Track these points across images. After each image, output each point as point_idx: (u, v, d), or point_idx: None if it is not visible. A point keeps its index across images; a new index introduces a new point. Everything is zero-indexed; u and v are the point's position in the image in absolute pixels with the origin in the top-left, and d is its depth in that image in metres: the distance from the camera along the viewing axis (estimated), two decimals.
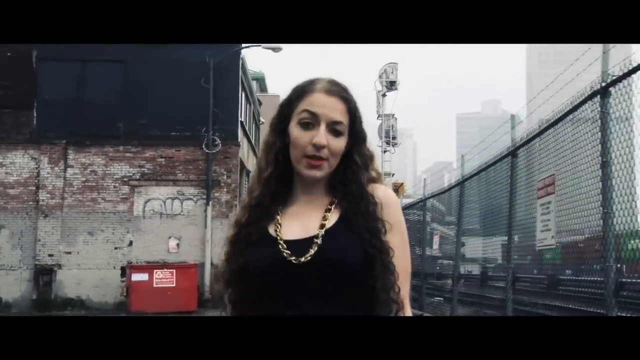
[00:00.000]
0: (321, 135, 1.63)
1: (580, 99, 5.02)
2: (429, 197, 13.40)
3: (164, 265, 18.06)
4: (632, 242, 4.49)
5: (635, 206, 4.39)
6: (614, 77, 4.52)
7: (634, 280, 4.46)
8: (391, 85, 20.02)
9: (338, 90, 1.68)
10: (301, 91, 1.70)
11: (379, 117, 20.40)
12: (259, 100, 30.81)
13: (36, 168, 19.17)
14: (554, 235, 5.63)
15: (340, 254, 1.60)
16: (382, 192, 1.71)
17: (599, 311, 4.57)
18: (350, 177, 1.70)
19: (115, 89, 19.62)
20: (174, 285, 17.62)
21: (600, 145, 4.59)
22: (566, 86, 7.12)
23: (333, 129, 1.65)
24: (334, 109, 1.65)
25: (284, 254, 1.62)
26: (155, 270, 17.74)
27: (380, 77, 20.37)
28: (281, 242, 1.64)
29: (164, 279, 17.68)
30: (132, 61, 19.64)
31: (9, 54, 19.17)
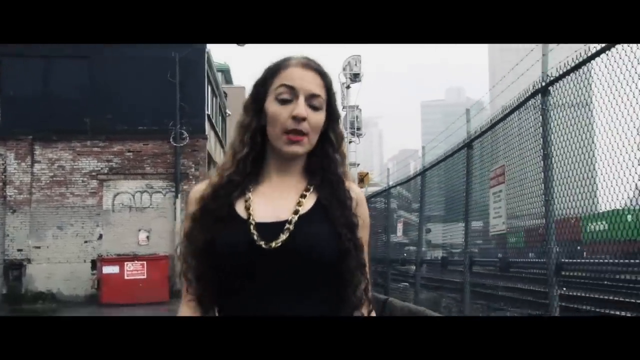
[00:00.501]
0: (301, 107, 1.59)
1: (523, 98, 5.52)
2: (393, 186, 13.87)
3: (134, 257, 18.34)
4: (591, 224, 4.94)
5: (573, 193, 4.90)
6: (552, 78, 5.02)
7: (572, 260, 4.98)
8: (355, 77, 20.49)
9: (314, 65, 1.65)
10: (276, 68, 1.65)
11: (343, 108, 20.88)
12: (224, 92, 31.00)
13: (2, 164, 19.19)
14: (504, 222, 6.16)
15: (313, 242, 1.56)
16: (356, 189, 1.70)
17: (542, 289, 5.09)
18: (327, 164, 1.67)
19: (81, 84, 19.69)
20: (145, 277, 17.91)
21: (542, 140, 5.08)
22: (527, 72, 7.38)
23: (311, 103, 1.61)
24: (311, 82, 1.62)
25: (254, 236, 1.56)
26: (126, 263, 18.01)
27: (344, 69, 20.82)
28: (252, 223, 1.58)
29: (134, 271, 17.96)
30: (96, 57, 19.70)
31: None
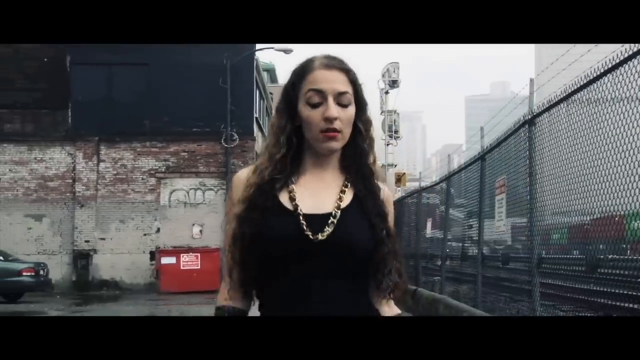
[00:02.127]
0: (331, 108, 1.66)
1: (513, 129, 6.88)
2: (424, 188, 14.99)
3: (189, 249, 20.09)
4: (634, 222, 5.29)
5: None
6: (538, 111, 6.37)
7: (550, 256, 6.27)
8: (393, 83, 21.81)
9: (336, 63, 1.72)
10: (302, 72, 1.72)
11: (382, 113, 22.23)
12: (270, 92, 32.61)
13: (72, 163, 21.18)
14: (505, 224, 7.52)
15: (354, 234, 1.66)
16: (386, 188, 1.80)
17: (525, 278, 6.36)
18: (359, 154, 1.75)
19: (140, 89, 21.48)
20: (199, 267, 19.61)
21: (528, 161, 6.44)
22: (569, 66, 7.17)
23: (340, 101, 1.68)
24: (336, 82, 1.69)
25: (303, 227, 1.64)
26: (182, 254, 19.77)
27: (383, 75, 22.15)
28: (301, 214, 1.66)
29: (189, 262, 19.69)
30: (155, 64, 21.50)
31: (45, 59, 21.11)
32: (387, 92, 22.05)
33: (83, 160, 21.19)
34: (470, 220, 10.79)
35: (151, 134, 21.41)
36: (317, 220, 1.65)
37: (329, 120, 1.66)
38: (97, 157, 21.27)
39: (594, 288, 5.18)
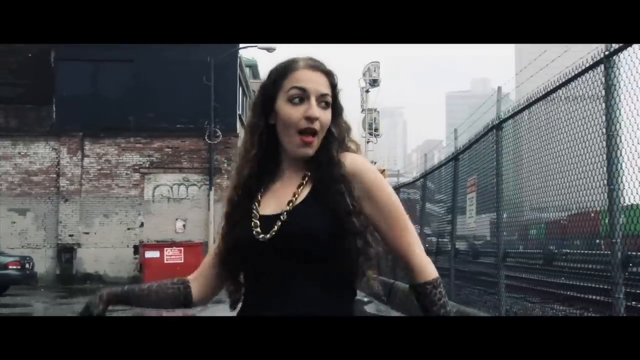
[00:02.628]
0: (314, 107, 1.65)
1: (483, 132, 7.39)
2: (402, 185, 15.52)
3: (173, 243, 20.40)
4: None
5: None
6: (505, 117, 6.88)
7: (516, 250, 6.79)
8: (374, 82, 22.32)
9: (320, 65, 1.72)
10: (284, 70, 1.71)
11: (362, 111, 22.72)
12: (252, 90, 32.94)
13: (56, 157, 21.41)
14: (475, 220, 8.04)
15: (300, 230, 1.62)
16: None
17: (492, 271, 6.89)
18: (327, 159, 1.70)
19: (125, 85, 21.76)
20: (182, 261, 19.89)
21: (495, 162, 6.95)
22: (547, 66, 7.33)
23: (321, 102, 1.68)
24: (320, 83, 1.69)
25: (254, 231, 1.66)
26: (165, 248, 20.06)
27: (364, 74, 22.63)
28: (255, 218, 1.68)
29: (173, 256, 19.99)
30: (140, 60, 21.77)
31: (29, 55, 21.30)
32: (367, 91, 22.55)
33: (67, 155, 21.43)
34: (446, 216, 11.30)
35: (135, 129, 21.69)
36: (270, 221, 1.66)
37: (310, 119, 1.65)
38: (82, 152, 21.52)
39: (547, 279, 5.68)
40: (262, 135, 1.74)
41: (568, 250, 5.52)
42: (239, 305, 1.74)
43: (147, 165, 21.80)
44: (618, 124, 4.36)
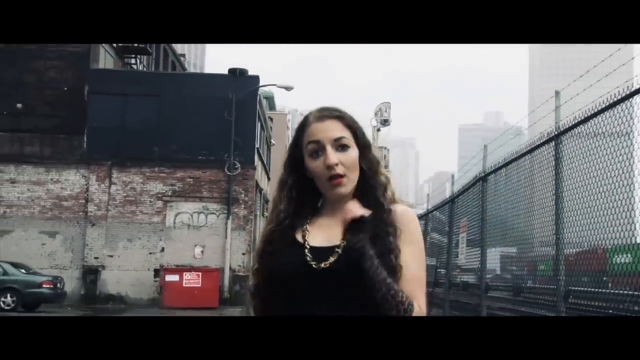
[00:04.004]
0: (329, 155, 1.76)
1: (472, 182, 8.72)
2: (430, 211, 16.08)
3: (191, 268, 21.74)
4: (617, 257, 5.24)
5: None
6: (488, 172, 8.20)
7: (497, 283, 8.04)
8: (384, 122, 23.81)
9: (328, 113, 1.83)
10: (300, 130, 1.86)
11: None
12: (270, 117, 34.36)
13: (86, 184, 22.90)
14: (465, 257, 9.31)
15: (357, 264, 1.69)
16: (400, 208, 1.82)
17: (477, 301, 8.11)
18: (368, 190, 1.82)
19: (151, 118, 23.27)
20: (200, 285, 21.22)
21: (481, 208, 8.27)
22: (569, 101, 7.79)
23: (338, 146, 1.78)
24: (332, 129, 1.79)
25: (307, 258, 1.76)
26: (184, 273, 21.40)
27: (375, 114, 24.12)
28: (307, 247, 1.79)
29: (191, 280, 21.31)
30: (165, 95, 23.37)
31: (65, 89, 22.96)
32: (378, 130, 24.02)
33: (96, 182, 22.91)
34: (453, 249, 12.35)
35: (160, 160, 23.16)
36: (324, 252, 1.76)
37: (330, 167, 1.75)
38: (109, 180, 22.99)
39: (517, 308, 6.93)
40: (290, 190, 1.87)
41: (532, 285, 6.76)
42: None
43: (169, 194, 23.21)
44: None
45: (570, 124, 5.60)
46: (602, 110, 5.01)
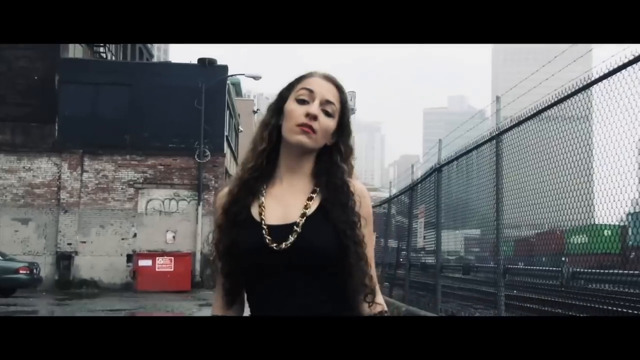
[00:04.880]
0: (315, 107, 1.75)
1: (428, 173, 9.65)
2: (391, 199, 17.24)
3: (164, 253, 22.42)
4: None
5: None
6: (442, 163, 9.13)
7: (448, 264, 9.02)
8: (350, 111, 24.65)
9: (333, 78, 1.83)
10: (300, 77, 1.84)
11: None
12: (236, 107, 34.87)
13: (58, 172, 23.32)
14: (422, 241, 10.27)
15: (317, 242, 1.70)
16: (359, 186, 1.80)
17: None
18: (334, 168, 1.79)
19: (123, 107, 23.76)
20: (172, 270, 21.93)
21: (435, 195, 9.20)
22: (533, 88, 7.48)
23: (325, 108, 1.77)
24: (328, 90, 1.79)
25: (266, 239, 1.72)
26: (157, 258, 22.07)
27: None
28: (265, 227, 1.74)
29: (164, 264, 22.00)
30: (137, 84, 23.85)
31: (35, 77, 23.26)
32: None
33: (68, 170, 23.34)
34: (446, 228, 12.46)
35: (131, 148, 23.67)
36: (282, 230, 1.73)
37: (309, 116, 1.74)
38: (81, 168, 23.45)
39: (467, 286, 7.90)
40: (272, 131, 1.83)
41: (478, 264, 7.74)
42: (235, 305, 1.84)
43: (141, 181, 23.76)
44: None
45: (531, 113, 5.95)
46: (562, 100, 5.35)
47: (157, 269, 21.89)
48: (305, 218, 1.74)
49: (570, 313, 5.32)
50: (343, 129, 1.83)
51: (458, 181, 9.08)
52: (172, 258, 22.13)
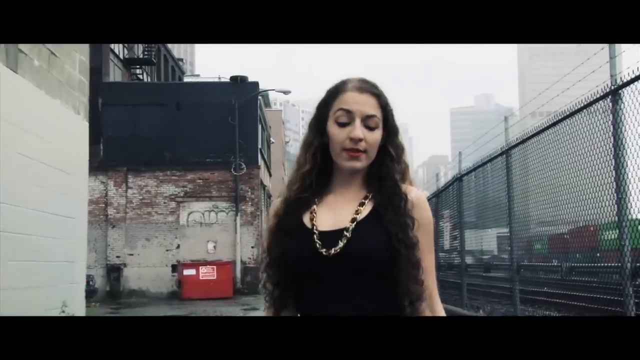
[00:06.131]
0: (357, 129, 1.71)
1: (451, 181, 10.67)
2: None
3: (206, 262, 23.70)
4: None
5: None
6: (464, 173, 10.15)
7: (471, 263, 10.02)
8: None
9: (368, 87, 1.77)
10: (335, 92, 1.79)
11: None
12: (267, 119, 36.14)
13: (105, 190, 24.80)
14: (449, 243, 11.28)
15: (366, 248, 1.67)
16: (414, 193, 1.79)
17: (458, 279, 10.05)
18: (385, 172, 1.78)
19: (161, 126, 25.12)
20: (215, 277, 23.17)
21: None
22: (557, 83, 7.37)
23: (367, 123, 1.73)
24: (366, 105, 1.74)
25: (316, 244, 1.71)
26: (200, 267, 23.35)
27: None
28: (315, 233, 1.74)
29: (207, 273, 23.25)
30: (173, 104, 25.23)
31: None
32: None
33: (114, 187, 24.82)
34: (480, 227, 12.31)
35: (171, 164, 25.05)
36: (332, 236, 1.72)
37: (354, 140, 1.72)
38: (126, 185, 24.90)
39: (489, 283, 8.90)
40: (315, 152, 1.82)
41: (496, 262, 8.76)
42: (284, 314, 1.82)
43: (181, 195, 25.13)
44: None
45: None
46: (585, 107, 5.47)
47: (200, 278, 23.14)
48: (355, 223, 1.72)
49: (568, 302, 6.23)
50: (389, 131, 1.81)
51: (492, 177, 8.96)
52: (215, 267, 23.38)
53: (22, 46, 6.61)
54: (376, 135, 1.76)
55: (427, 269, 1.74)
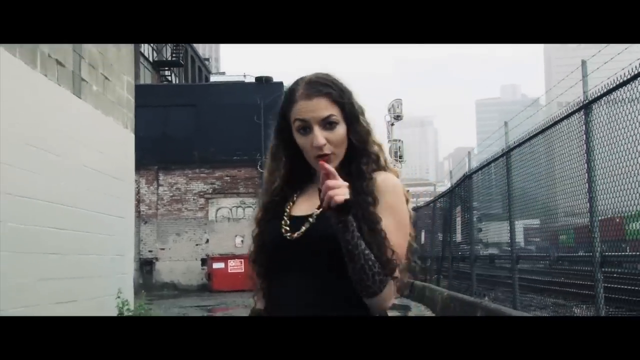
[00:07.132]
0: (317, 137, 1.73)
1: (462, 178, 11.51)
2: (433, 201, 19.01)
3: (234, 256, 24.74)
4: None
5: None
6: (473, 170, 11.00)
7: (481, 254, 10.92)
8: (397, 117, 26.54)
9: (316, 90, 1.75)
10: (287, 103, 1.80)
11: (388, 141, 26.96)
12: None
13: (137, 187, 25.93)
14: (460, 236, 12.14)
15: (328, 231, 1.66)
16: (382, 175, 1.78)
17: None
18: (352, 157, 1.80)
19: (189, 126, 26.23)
20: (243, 270, 24.07)
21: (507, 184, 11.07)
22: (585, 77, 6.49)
23: (326, 124, 1.74)
24: (318, 109, 1.73)
25: (283, 229, 1.77)
26: (229, 260, 24.41)
27: (389, 110, 26.82)
28: (285, 217, 1.80)
29: (235, 266, 24.29)
30: (201, 105, 26.31)
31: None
32: (392, 124, 26.76)
33: (145, 185, 26.01)
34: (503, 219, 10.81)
35: (200, 162, 26.14)
36: (299, 221, 1.77)
37: (318, 147, 1.73)
38: (157, 182, 26.08)
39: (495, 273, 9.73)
40: (282, 160, 1.87)
41: (500, 254, 9.62)
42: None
43: (210, 192, 26.23)
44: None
45: (600, 93, 5.70)
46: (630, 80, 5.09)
47: (229, 271, 24.20)
48: (321, 210, 1.69)
49: (554, 288, 7.01)
50: (350, 120, 1.79)
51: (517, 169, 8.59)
52: (242, 260, 24.33)
53: (83, 74, 7.69)
54: (339, 131, 1.77)
55: (395, 247, 1.70)
